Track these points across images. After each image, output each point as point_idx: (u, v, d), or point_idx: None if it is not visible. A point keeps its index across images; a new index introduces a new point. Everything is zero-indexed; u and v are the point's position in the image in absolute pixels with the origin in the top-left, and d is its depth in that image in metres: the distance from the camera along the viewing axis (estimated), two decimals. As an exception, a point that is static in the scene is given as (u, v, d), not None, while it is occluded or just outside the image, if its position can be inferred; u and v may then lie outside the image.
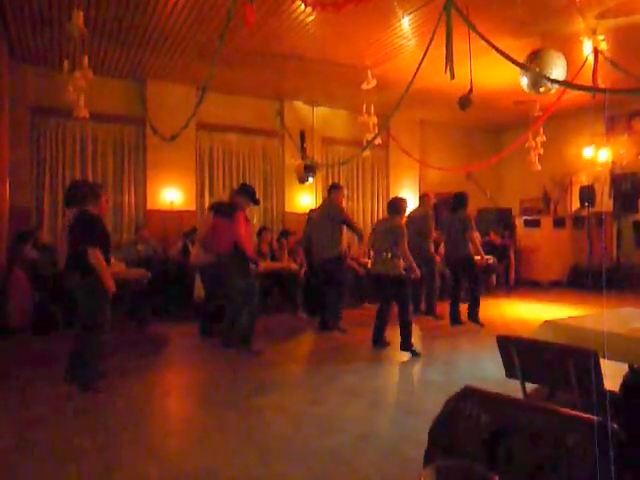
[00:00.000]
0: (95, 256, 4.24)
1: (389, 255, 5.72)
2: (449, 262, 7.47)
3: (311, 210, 8.65)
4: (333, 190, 7.06)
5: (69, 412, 3.84)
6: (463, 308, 7.19)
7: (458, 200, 7.38)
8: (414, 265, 5.85)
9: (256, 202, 6.32)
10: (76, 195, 4.55)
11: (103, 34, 6.94)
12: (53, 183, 8.52)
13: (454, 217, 7.31)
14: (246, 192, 6.12)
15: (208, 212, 6.85)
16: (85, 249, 4.24)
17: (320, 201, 10.52)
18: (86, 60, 5.54)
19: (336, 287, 6.75)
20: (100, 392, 4.25)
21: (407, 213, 8.59)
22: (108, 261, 4.59)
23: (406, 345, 5.66)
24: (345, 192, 7.22)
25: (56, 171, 8.55)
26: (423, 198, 8.35)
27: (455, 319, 7.18)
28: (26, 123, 8.24)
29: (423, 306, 7.98)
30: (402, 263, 5.79)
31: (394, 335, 5.84)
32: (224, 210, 6.01)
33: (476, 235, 7.27)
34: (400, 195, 11.34)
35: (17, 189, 7.95)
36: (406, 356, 5.59)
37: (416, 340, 6.49)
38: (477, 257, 7.31)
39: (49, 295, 6.71)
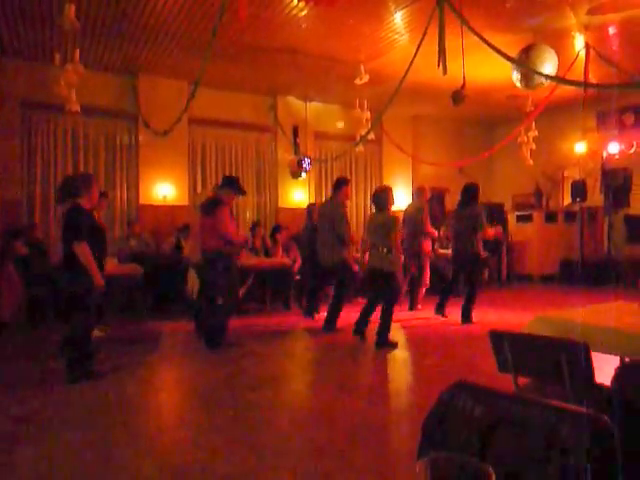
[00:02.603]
0: (81, 250, 4.22)
1: (385, 250, 5.62)
2: (456, 259, 7.23)
3: (310, 205, 8.57)
4: (337, 187, 6.77)
5: (62, 408, 3.83)
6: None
7: (469, 193, 7.00)
8: (400, 270, 5.81)
9: (242, 192, 6.15)
10: (69, 189, 4.49)
11: (95, 28, 6.89)
12: (44, 178, 8.45)
13: (465, 212, 6.95)
14: (230, 184, 5.92)
15: (199, 211, 6.73)
16: (72, 245, 4.23)
17: (313, 196, 10.56)
18: (77, 54, 5.52)
19: (340, 290, 6.69)
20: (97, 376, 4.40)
21: (403, 207, 8.56)
22: (103, 256, 4.57)
23: (383, 340, 5.61)
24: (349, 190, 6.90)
25: (47, 166, 8.48)
26: (418, 191, 8.26)
27: (468, 317, 6.98)
28: (17, 118, 8.17)
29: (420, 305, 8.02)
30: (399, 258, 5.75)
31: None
32: (207, 207, 5.86)
33: (490, 231, 7.01)
34: (393, 190, 11.39)
35: (8, 184, 7.90)
36: (399, 351, 5.61)
37: (408, 334, 6.53)
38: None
39: (41, 291, 6.69)
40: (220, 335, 5.65)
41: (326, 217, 6.73)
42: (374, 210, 6.02)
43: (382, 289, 5.81)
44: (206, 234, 5.75)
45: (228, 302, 5.73)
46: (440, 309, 7.29)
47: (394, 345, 5.63)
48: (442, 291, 7.42)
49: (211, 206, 5.73)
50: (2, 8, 6.33)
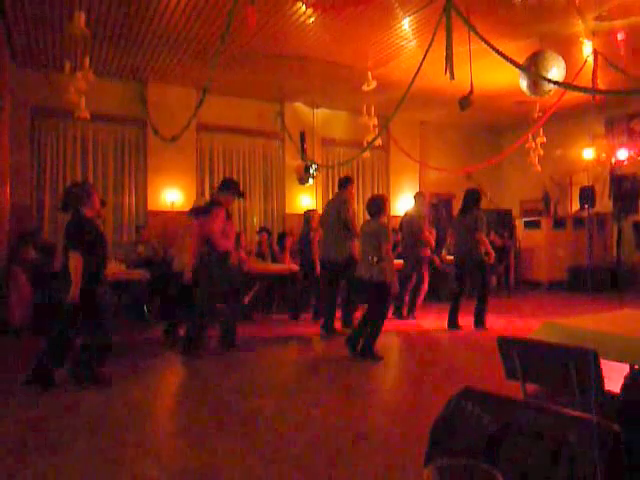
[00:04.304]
0: (74, 260, 4.20)
1: (375, 259, 5.38)
2: (457, 263, 7.15)
3: (308, 211, 8.55)
4: (343, 185, 6.80)
5: (68, 413, 3.85)
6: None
7: (469, 198, 7.01)
8: (395, 280, 5.52)
9: (241, 195, 6.08)
10: (71, 198, 4.52)
11: (104, 36, 6.96)
12: (54, 184, 8.54)
13: (465, 216, 6.95)
14: (228, 186, 5.84)
15: (187, 216, 6.62)
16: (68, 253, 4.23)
17: (320, 202, 10.55)
18: (87, 61, 5.57)
19: (349, 289, 6.62)
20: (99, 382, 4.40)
21: (402, 211, 8.49)
22: (104, 264, 4.57)
23: (368, 350, 5.32)
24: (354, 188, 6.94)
25: (57, 172, 8.57)
26: (418, 196, 8.24)
27: (454, 323, 6.91)
28: (27, 124, 8.27)
29: (405, 312, 7.84)
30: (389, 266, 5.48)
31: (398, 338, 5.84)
32: (202, 210, 5.78)
33: (484, 237, 6.89)
34: (400, 196, 11.42)
35: (18, 190, 7.97)
36: (406, 358, 5.60)
37: (414, 340, 6.51)
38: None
39: (49, 295, 6.73)
40: (195, 344, 5.56)
41: (331, 213, 6.69)
42: (368, 216, 5.76)
43: (371, 299, 5.55)
44: (202, 237, 5.66)
45: (207, 308, 5.63)
46: (453, 324, 6.98)
47: (379, 358, 5.30)
48: (451, 306, 7.07)
49: (208, 208, 5.67)
50: (14, 16, 6.41)
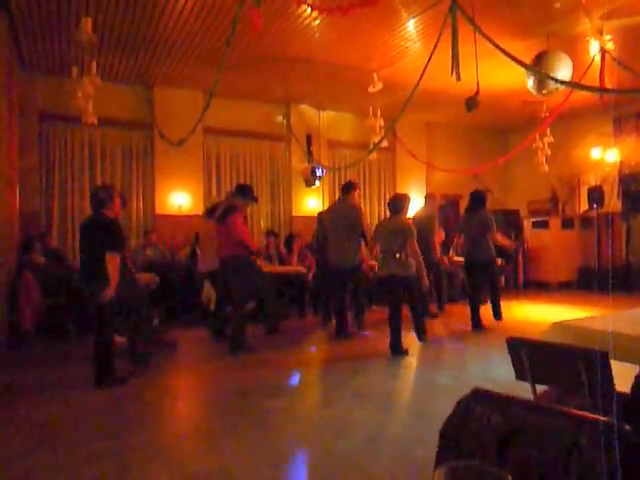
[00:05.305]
0: (112, 263, 4.37)
1: (402, 256, 5.57)
2: (468, 264, 7.17)
3: (321, 212, 8.60)
4: (348, 190, 6.74)
5: (81, 416, 3.87)
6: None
7: (476, 199, 7.08)
8: (424, 273, 5.84)
9: (255, 200, 6.30)
10: (95, 199, 4.61)
11: (111, 41, 7.01)
12: (62, 189, 8.59)
13: (473, 217, 6.98)
14: (244, 192, 6.02)
15: (205, 217, 6.84)
16: (103, 254, 4.35)
17: (327, 204, 10.53)
18: (94, 67, 5.60)
19: (356, 294, 6.68)
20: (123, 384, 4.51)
21: (412, 213, 8.51)
22: (126, 262, 4.71)
23: (423, 335, 5.98)
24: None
25: (65, 177, 8.62)
26: (428, 198, 8.24)
27: (478, 325, 6.82)
28: (35, 130, 8.32)
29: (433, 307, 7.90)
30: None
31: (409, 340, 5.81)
32: (220, 214, 5.95)
33: (498, 236, 7.00)
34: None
35: (26, 195, 8.02)
36: (415, 359, 5.58)
37: (423, 342, 6.48)
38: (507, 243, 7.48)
39: (59, 299, 6.77)
40: (242, 340, 5.72)
41: (340, 220, 6.60)
42: (390, 214, 5.99)
43: (407, 295, 5.77)
44: (221, 241, 5.81)
45: (242, 308, 5.80)
46: (477, 325, 6.88)
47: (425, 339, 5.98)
48: (471, 308, 7.00)
49: (224, 213, 5.80)
50: (22, 22, 6.46)
